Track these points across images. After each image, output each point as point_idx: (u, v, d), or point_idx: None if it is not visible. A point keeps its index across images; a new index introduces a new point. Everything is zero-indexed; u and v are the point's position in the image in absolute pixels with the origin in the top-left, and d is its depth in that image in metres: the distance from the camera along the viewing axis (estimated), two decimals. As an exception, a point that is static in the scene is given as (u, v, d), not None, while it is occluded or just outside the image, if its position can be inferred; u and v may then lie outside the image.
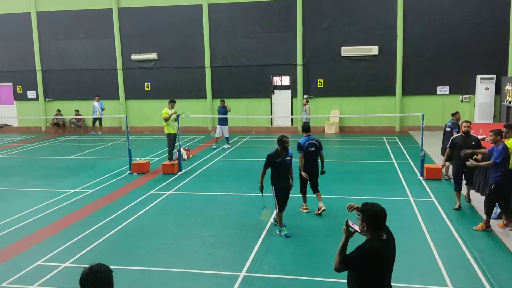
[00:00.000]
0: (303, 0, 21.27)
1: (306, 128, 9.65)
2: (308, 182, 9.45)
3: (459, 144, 9.33)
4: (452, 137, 10.04)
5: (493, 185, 8.00)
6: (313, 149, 9.28)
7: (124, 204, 10.46)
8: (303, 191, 9.58)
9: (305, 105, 20.10)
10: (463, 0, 20.04)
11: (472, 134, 9.70)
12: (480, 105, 19.77)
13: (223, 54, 22.50)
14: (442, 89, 20.77)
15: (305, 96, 21.60)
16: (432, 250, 7.39)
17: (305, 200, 9.68)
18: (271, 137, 20.38)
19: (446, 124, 12.72)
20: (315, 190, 9.47)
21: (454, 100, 20.69)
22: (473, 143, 9.31)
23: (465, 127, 9.50)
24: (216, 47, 22.51)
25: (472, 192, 10.19)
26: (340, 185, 11.71)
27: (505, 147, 7.94)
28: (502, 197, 8.12)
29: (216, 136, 17.71)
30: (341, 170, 13.45)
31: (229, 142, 18.11)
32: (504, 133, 8.20)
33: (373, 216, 3.71)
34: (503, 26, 19.72)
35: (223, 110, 17.84)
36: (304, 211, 9.59)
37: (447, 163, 10.98)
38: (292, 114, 22.23)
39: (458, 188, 9.43)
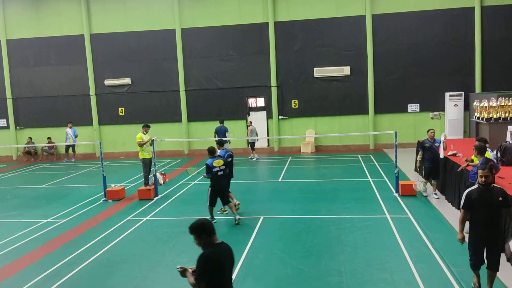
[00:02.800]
0: (274, 23, 21.65)
1: (220, 142, 11.40)
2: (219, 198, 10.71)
3: (481, 201, 6.04)
4: (467, 191, 6.25)
5: None
6: (221, 173, 10.43)
7: (99, 232, 10.22)
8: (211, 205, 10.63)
9: (248, 126, 20.32)
10: (429, 20, 20.72)
11: (494, 185, 6.23)
12: (450, 121, 20.30)
13: (198, 77, 22.58)
14: (413, 107, 21.27)
15: (272, 118, 21.80)
16: (410, 267, 7.44)
17: (212, 214, 10.67)
18: (247, 158, 20.36)
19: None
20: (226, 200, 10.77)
21: (425, 117, 21.18)
22: (500, 198, 6.01)
23: (481, 176, 6.05)
24: (190, 71, 22.59)
25: (448, 205, 10.04)
26: (318, 204, 11.75)
27: (486, 160, 8.05)
28: None
29: None
30: (318, 189, 13.56)
31: None
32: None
33: (199, 227, 4.33)
34: (468, 44, 20.43)
35: (223, 129, 18.65)
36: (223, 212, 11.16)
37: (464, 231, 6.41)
38: (268, 135, 22.35)
39: (477, 266, 6.28)
